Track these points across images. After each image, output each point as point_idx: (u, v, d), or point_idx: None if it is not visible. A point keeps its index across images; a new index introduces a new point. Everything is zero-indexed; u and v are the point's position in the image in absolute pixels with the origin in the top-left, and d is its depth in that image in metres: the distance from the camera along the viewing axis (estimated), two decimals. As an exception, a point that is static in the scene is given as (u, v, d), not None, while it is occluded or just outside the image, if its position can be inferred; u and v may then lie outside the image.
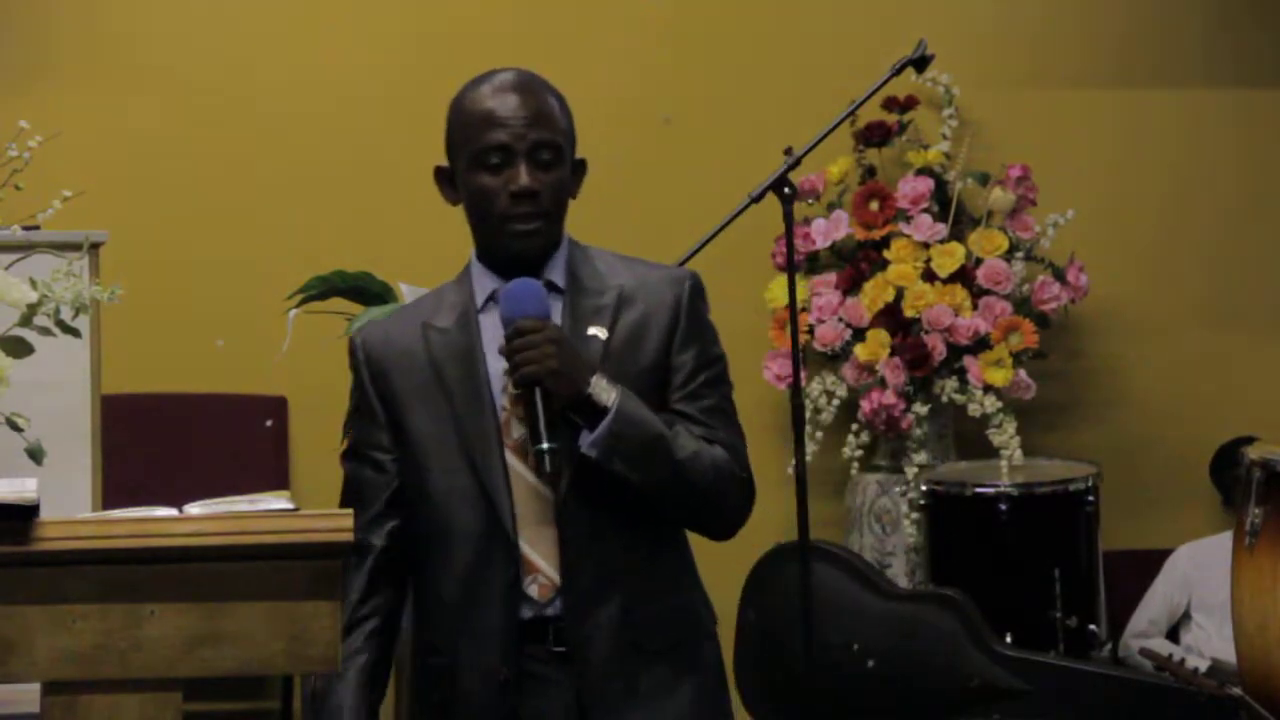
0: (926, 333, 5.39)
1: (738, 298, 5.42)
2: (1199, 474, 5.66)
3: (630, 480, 2.79)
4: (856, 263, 5.50)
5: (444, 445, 2.85)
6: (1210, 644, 5.24)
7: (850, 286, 5.48)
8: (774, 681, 4.93)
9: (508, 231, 2.84)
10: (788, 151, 4.16)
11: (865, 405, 5.39)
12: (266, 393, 5.51)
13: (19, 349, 2.89)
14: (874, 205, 5.50)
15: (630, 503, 2.81)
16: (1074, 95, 5.85)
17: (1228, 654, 4.58)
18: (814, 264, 5.59)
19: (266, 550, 2.32)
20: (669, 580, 2.91)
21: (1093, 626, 5.06)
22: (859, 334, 5.43)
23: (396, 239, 5.27)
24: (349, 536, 2.35)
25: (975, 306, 5.41)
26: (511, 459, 2.83)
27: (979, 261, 5.47)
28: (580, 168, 2.93)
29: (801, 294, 5.38)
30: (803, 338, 5.27)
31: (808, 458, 4.29)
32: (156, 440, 5.39)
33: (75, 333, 2.89)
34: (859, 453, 5.47)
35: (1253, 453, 4.24)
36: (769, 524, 4.54)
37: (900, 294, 5.41)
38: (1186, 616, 5.40)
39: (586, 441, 2.77)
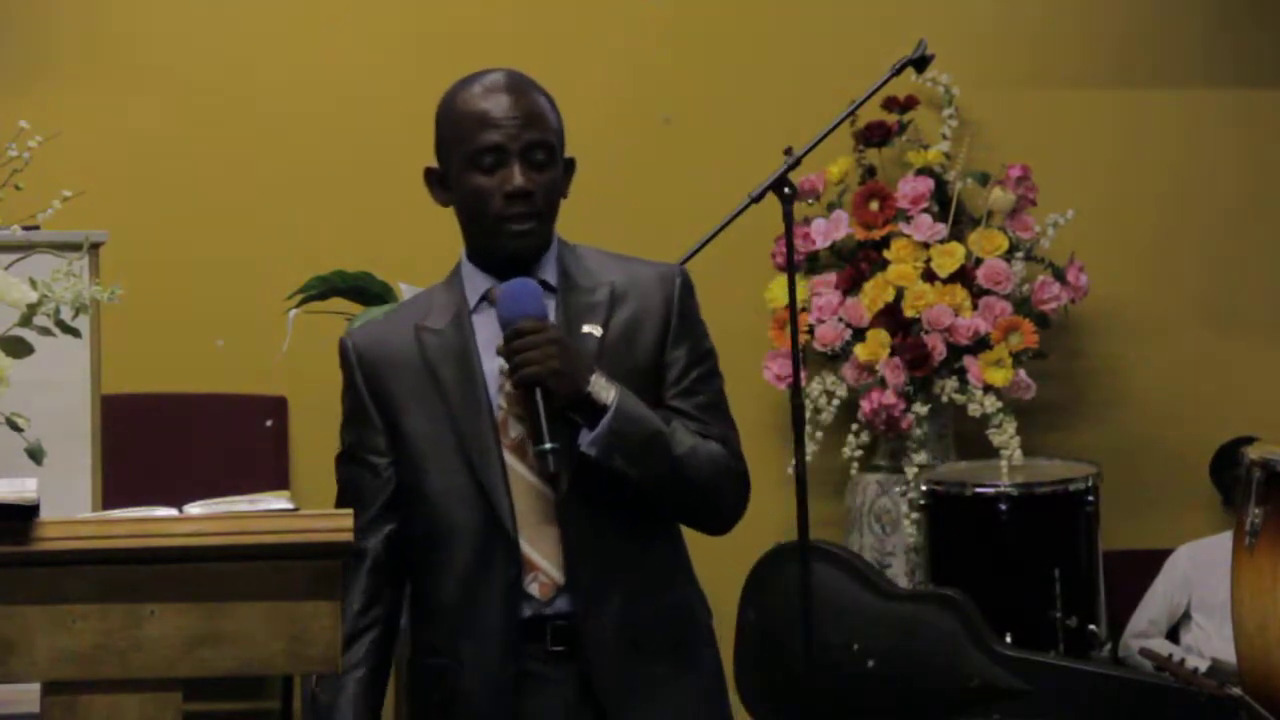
0: (926, 333, 5.39)
1: (738, 298, 5.43)
2: (1199, 474, 5.66)
3: (630, 477, 2.79)
4: (856, 263, 5.50)
5: (441, 446, 2.85)
6: (1210, 644, 5.24)
7: (850, 286, 5.48)
8: (774, 681, 4.93)
9: (503, 232, 2.84)
10: (788, 151, 4.16)
11: (865, 405, 5.39)
12: (266, 393, 5.51)
13: (19, 349, 2.89)
14: (874, 205, 5.50)
15: (629, 500, 2.82)
16: (1074, 95, 5.85)
17: (1228, 654, 4.58)
18: (814, 264, 5.59)
19: (266, 550, 2.32)
20: (666, 575, 2.92)
21: (1093, 626, 5.06)
22: (859, 334, 5.43)
23: (396, 239, 5.26)
24: (349, 536, 2.35)
25: (975, 306, 5.41)
26: (509, 458, 2.83)
27: (979, 261, 5.47)
28: (570, 166, 2.93)
29: (801, 294, 5.38)
30: (803, 338, 5.27)
31: (808, 458, 4.29)
32: (156, 440, 5.39)
33: (75, 333, 2.89)
34: (859, 453, 5.47)
35: (1253, 453, 4.24)
36: (769, 524, 4.57)
37: (900, 294, 5.41)
38: (1186, 616, 5.40)
39: (586, 440, 2.77)
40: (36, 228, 3.32)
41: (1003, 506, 5.12)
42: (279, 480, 5.40)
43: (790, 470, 4.23)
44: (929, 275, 5.42)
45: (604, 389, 2.78)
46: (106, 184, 4.82)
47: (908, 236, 5.46)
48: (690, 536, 2.98)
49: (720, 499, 2.91)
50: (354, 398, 2.92)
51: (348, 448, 2.94)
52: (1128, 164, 5.88)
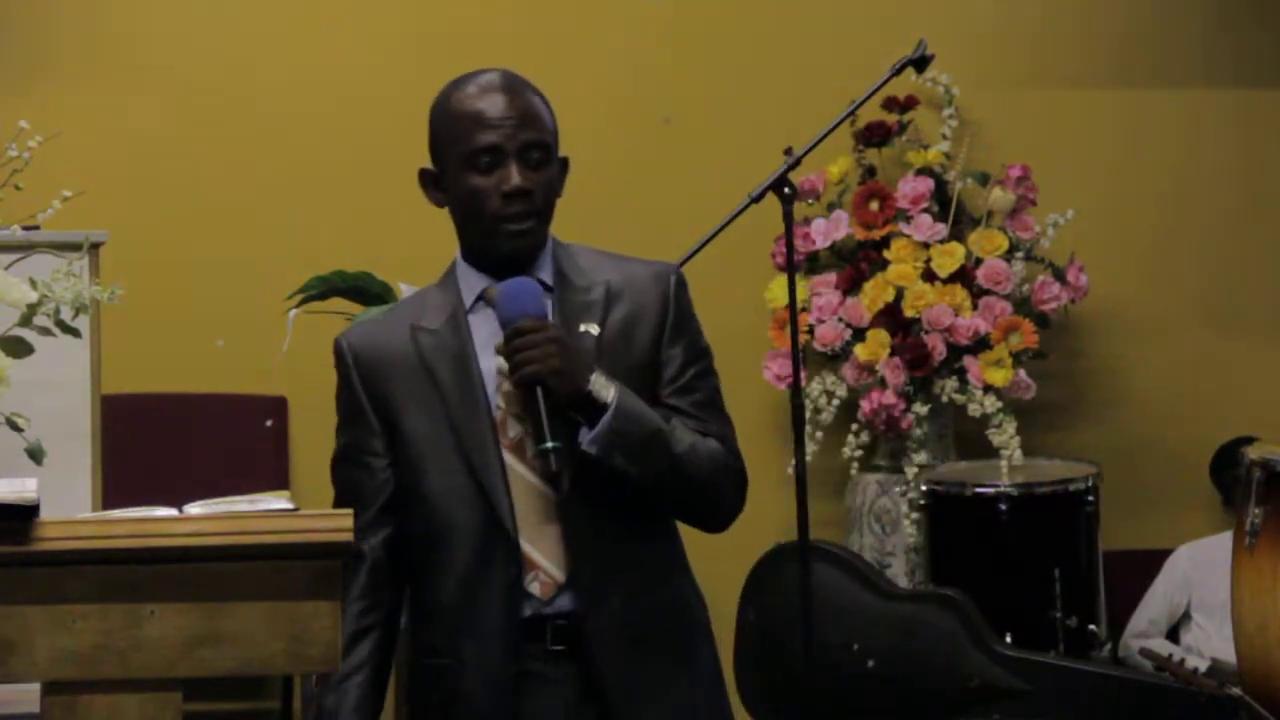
0: (926, 333, 5.39)
1: (738, 298, 5.44)
2: (1199, 474, 5.66)
3: (630, 475, 2.80)
4: (856, 263, 5.50)
5: (440, 446, 2.85)
6: (1210, 644, 5.24)
7: (850, 286, 5.48)
8: (774, 681, 4.93)
9: (501, 232, 2.84)
10: (788, 151, 4.15)
11: (865, 405, 5.39)
12: (266, 393, 5.51)
13: (19, 349, 2.89)
14: (874, 205, 5.50)
15: (629, 498, 2.82)
16: (1074, 95, 5.85)
17: (1228, 654, 4.58)
18: (814, 264, 5.59)
19: (266, 550, 2.32)
20: (664, 572, 2.93)
21: (1093, 626, 5.06)
22: (859, 334, 5.43)
23: (396, 239, 5.26)
24: (349, 536, 2.35)
25: (975, 306, 5.41)
26: (509, 458, 2.83)
27: (979, 261, 5.47)
28: (564, 166, 2.93)
29: (801, 294, 5.38)
30: (803, 338, 5.27)
31: (808, 458, 4.29)
32: (156, 440, 5.39)
33: (75, 333, 2.89)
34: (859, 453, 5.47)
35: (1253, 453, 4.24)
36: (769, 524, 4.57)
37: (900, 294, 5.41)
38: (1186, 616, 5.40)
39: (587, 438, 2.78)
40: (36, 228, 3.32)
41: (1003, 506, 5.12)
42: (279, 480, 5.40)
43: (790, 470, 4.23)
44: (929, 275, 5.42)
45: (604, 387, 2.78)
46: (106, 184, 4.82)
47: (908, 236, 5.46)
48: (690, 536, 2.98)
49: (720, 496, 2.92)
50: (350, 399, 2.92)
51: (344, 449, 2.94)
52: (1128, 164, 5.88)
